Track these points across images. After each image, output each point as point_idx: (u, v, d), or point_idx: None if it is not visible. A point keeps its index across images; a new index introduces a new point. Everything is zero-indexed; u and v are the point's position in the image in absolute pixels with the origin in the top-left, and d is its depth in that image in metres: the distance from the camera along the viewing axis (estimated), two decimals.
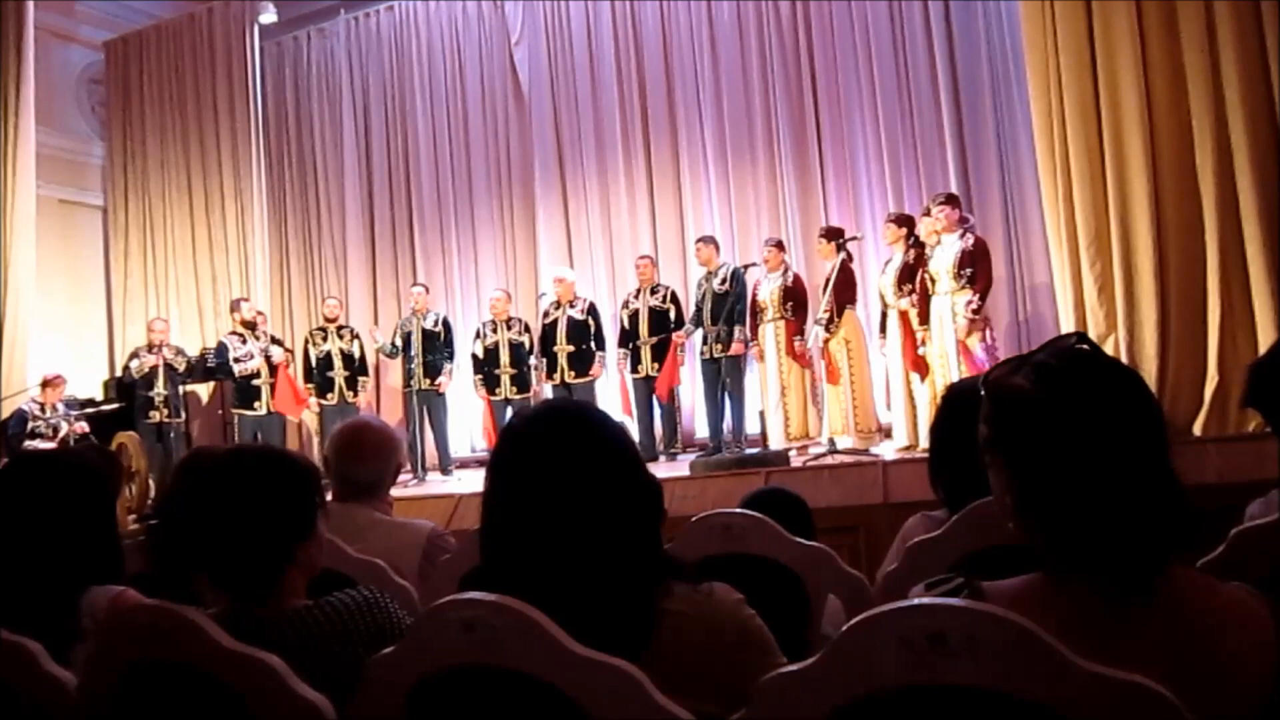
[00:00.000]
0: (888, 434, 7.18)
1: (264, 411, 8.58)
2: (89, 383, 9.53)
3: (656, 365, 7.93)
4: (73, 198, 10.50)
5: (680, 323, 8.00)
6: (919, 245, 6.84)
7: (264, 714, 1.41)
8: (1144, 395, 1.18)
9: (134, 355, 8.87)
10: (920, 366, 6.59)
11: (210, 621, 1.46)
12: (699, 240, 7.93)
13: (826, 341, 6.99)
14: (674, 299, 8.09)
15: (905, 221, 7.09)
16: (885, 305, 7.05)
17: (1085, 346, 1.20)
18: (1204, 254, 5.67)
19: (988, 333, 6.32)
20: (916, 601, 1.07)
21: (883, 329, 7.10)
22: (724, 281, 7.53)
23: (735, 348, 7.37)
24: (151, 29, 10.50)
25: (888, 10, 8.41)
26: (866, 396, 7.09)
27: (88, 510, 2.01)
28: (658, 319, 7.99)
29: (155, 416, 8.53)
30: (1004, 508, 1.21)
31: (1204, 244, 5.67)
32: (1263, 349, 5.36)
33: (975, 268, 6.31)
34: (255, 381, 8.54)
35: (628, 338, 8.13)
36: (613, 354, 8.32)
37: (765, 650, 1.42)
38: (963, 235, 6.43)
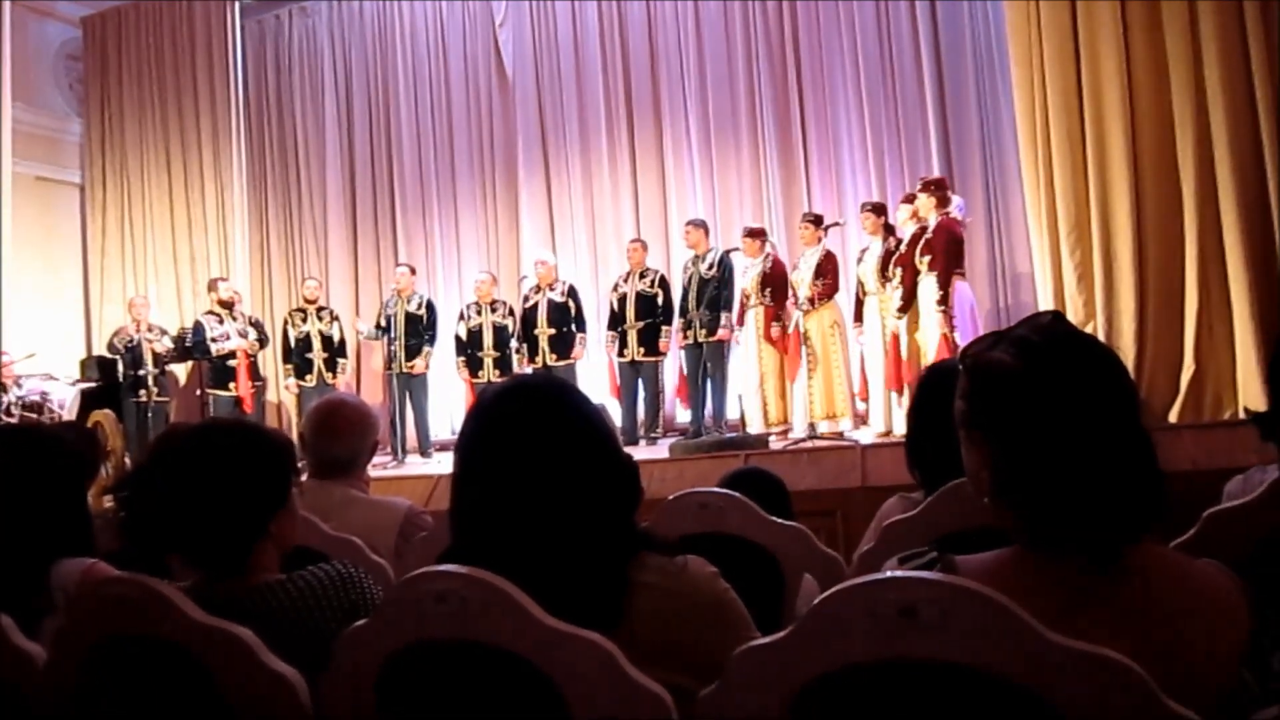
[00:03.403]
0: (863, 419, 7.23)
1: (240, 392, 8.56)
2: (66, 361, 9.45)
3: (642, 349, 7.92)
4: (50, 175, 10.38)
5: (669, 308, 7.97)
6: (891, 231, 6.95)
7: (235, 687, 1.40)
8: (1120, 369, 1.18)
9: (117, 334, 8.83)
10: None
11: (181, 595, 1.45)
12: (689, 223, 7.89)
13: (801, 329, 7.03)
14: (663, 284, 8.03)
15: (882, 210, 7.14)
16: (864, 293, 7.07)
17: (1060, 324, 1.21)
18: (1183, 244, 5.71)
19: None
20: (888, 575, 1.07)
21: (858, 316, 7.13)
22: (711, 267, 7.52)
23: (722, 334, 7.36)
24: (131, 5, 10.36)
25: None
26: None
27: (58, 483, 2.00)
28: (645, 304, 7.96)
29: (144, 396, 8.49)
30: (979, 483, 1.21)
31: (1183, 234, 5.71)
32: (1239, 338, 5.44)
33: (932, 253, 6.30)
34: (231, 362, 8.51)
35: (616, 321, 8.11)
36: (599, 336, 8.30)
37: (738, 623, 1.41)
38: (936, 221, 6.43)
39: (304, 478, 2.47)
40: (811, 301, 7.04)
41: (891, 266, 6.61)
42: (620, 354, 8.04)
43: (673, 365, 8.27)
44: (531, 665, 1.22)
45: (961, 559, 1.18)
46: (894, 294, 6.59)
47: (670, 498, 2.30)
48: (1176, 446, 4.72)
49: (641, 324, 7.92)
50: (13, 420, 7.76)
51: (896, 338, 6.51)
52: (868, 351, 7.01)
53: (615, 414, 7.66)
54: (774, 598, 2.13)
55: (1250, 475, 1.99)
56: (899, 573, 1.08)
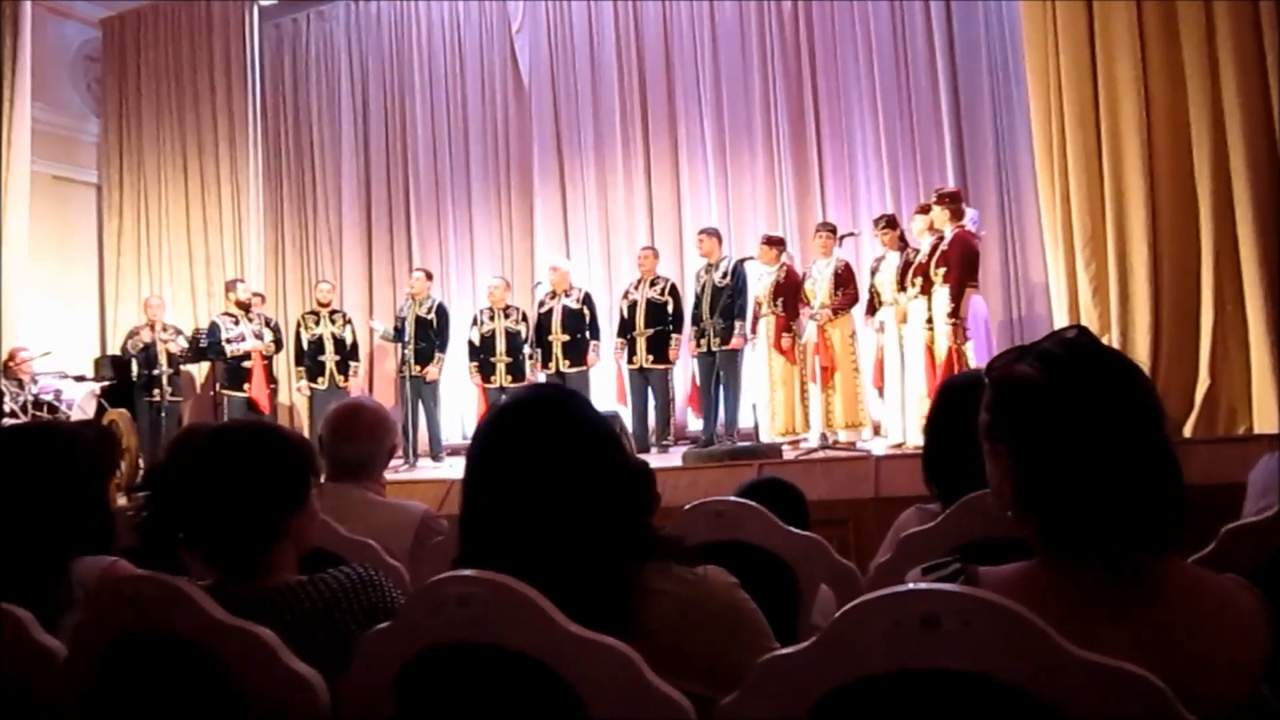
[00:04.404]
0: (875, 429, 7.23)
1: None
2: (80, 360, 9.50)
3: (651, 357, 7.92)
4: (67, 174, 10.45)
5: (679, 316, 7.98)
6: (905, 242, 7.00)
7: (254, 687, 1.41)
8: (1145, 383, 1.19)
9: (132, 334, 8.88)
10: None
11: (202, 593, 1.46)
12: (702, 232, 7.88)
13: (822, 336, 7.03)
14: (673, 292, 8.04)
15: (895, 223, 7.16)
16: (879, 302, 7.07)
17: (1085, 339, 1.21)
18: (1198, 256, 5.69)
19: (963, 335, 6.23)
20: (911, 586, 1.08)
21: (870, 311, 7.14)
22: (725, 275, 7.51)
23: (735, 342, 7.35)
24: (149, 7, 10.44)
25: (889, 7, 8.42)
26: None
27: (78, 480, 2.01)
28: (655, 311, 7.96)
29: (157, 395, 8.54)
30: (1002, 496, 1.21)
31: (1199, 246, 5.69)
32: (1255, 353, 5.41)
33: (947, 265, 6.29)
34: (246, 364, 8.54)
35: (626, 328, 8.12)
36: (610, 343, 8.31)
37: (758, 633, 1.42)
38: (952, 232, 6.41)
39: (322, 479, 2.48)
40: (834, 312, 7.03)
41: (911, 276, 6.61)
42: (629, 361, 8.05)
43: (684, 373, 8.27)
44: (552, 670, 1.23)
45: (984, 570, 1.18)
46: (910, 304, 6.59)
47: (686, 506, 2.30)
48: (1190, 461, 4.68)
49: (651, 331, 7.92)
50: (25, 418, 7.80)
51: (931, 350, 6.42)
52: (885, 356, 7.02)
53: (628, 420, 7.65)
54: (789, 607, 2.13)
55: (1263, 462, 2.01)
56: (922, 584, 1.08)
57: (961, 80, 8.13)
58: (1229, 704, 1.08)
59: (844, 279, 7.10)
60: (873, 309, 7.15)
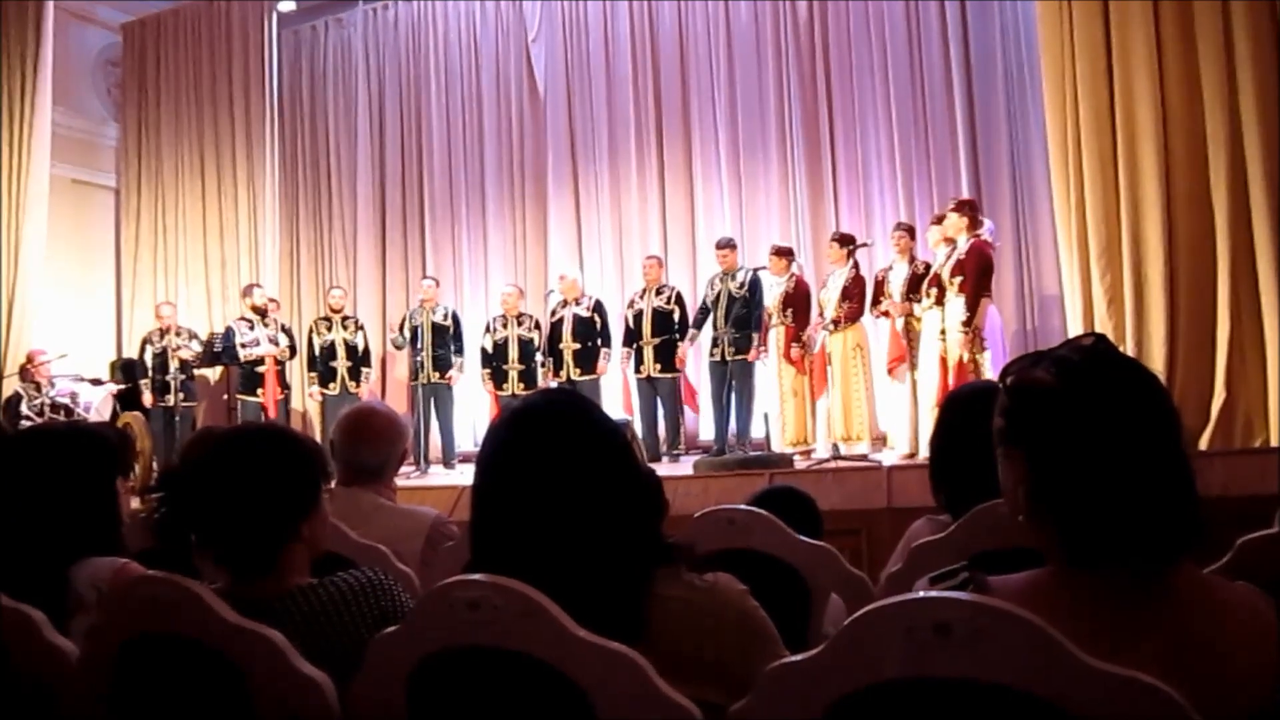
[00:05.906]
0: (882, 440, 7.21)
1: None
2: (96, 363, 9.56)
3: (658, 365, 7.92)
4: (86, 178, 10.54)
5: (684, 324, 7.97)
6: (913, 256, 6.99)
7: (265, 690, 1.41)
8: (1161, 391, 1.18)
9: (147, 341, 8.92)
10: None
11: (214, 595, 1.47)
12: (723, 246, 7.77)
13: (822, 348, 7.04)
14: (679, 300, 8.04)
15: (914, 232, 7.13)
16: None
17: (1102, 346, 1.21)
18: (1215, 268, 5.65)
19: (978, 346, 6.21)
20: (922, 594, 1.07)
21: (875, 303, 7.16)
22: (742, 286, 7.50)
23: (752, 354, 7.34)
24: (170, 13, 10.52)
25: (904, 15, 8.42)
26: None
27: (85, 480, 2.02)
28: (661, 320, 7.96)
29: (170, 400, 8.59)
30: (1015, 502, 1.20)
31: (1215, 257, 5.65)
32: (1271, 366, 5.37)
33: (963, 275, 6.26)
34: (260, 369, 8.56)
35: (632, 337, 8.12)
36: (617, 352, 8.31)
37: (767, 641, 1.41)
38: (968, 242, 6.39)
39: (333, 484, 2.48)
40: (836, 323, 7.02)
41: (926, 287, 6.57)
42: (636, 370, 8.04)
43: (694, 376, 8.25)
44: (562, 675, 1.22)
45: (994, 579, 1.18)
46: (925, 314, 6.56)
47: (697, 514, 2.30)
48: (1207, 473, 4.65)
49: (658, 340, 7.92)
50: (42, 421, 7.85)
51: (945, 360, 6.35)
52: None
53: (639, 429, 7.65)
54: (800, 616, 2.13)
55: None
56: (934, 592, 1.07)
57: (976, 88, 8.12)
58: (1244, 712, 1.07)
59: (850, 291, 7.07)
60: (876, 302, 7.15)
